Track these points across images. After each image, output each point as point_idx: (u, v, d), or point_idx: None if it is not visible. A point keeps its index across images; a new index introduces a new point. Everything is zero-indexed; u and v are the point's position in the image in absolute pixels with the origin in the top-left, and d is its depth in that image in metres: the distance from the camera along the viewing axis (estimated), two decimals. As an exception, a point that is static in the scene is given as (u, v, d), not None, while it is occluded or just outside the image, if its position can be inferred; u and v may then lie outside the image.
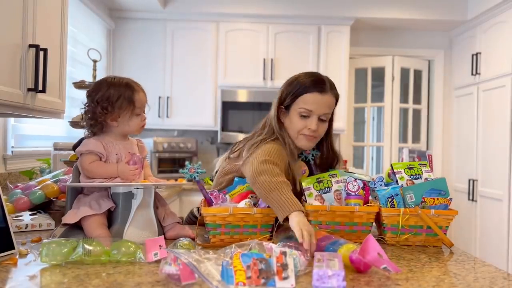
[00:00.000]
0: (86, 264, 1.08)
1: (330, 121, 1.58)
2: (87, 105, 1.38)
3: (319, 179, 1.46)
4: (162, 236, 1.22)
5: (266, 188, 1.28)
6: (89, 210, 1.28)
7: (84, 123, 1.41)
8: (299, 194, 1.45)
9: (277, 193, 1.26)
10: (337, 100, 1.56)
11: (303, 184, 1.46)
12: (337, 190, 1.45)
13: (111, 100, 1.34)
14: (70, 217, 1.29)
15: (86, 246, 1.08)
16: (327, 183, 1.46)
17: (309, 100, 1.48)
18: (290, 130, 1.54)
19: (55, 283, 0.96)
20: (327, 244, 1.18)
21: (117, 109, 1.35)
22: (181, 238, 1.22)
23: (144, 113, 1.44)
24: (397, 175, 1.49)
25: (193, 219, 1.67)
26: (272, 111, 1.57)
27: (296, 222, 1.19)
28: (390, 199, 1.38)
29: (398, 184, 1.46)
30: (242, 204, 1.36)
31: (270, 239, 1.33)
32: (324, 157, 1.63)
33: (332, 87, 1.53)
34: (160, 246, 1.13)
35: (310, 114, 1.49)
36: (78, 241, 1.10)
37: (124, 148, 1.40)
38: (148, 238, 1.20)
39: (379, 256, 1.02)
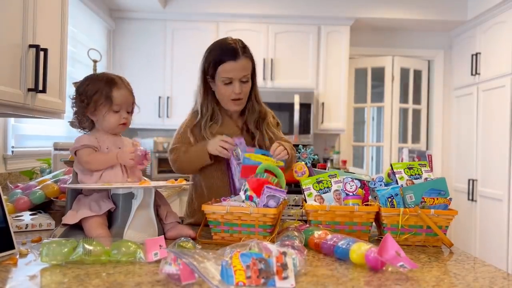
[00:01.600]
0: (86, 264, 1.08)
1: (253, 78, 1.74)
2: (73, 97, 1.42)
3: (319, 180, 1.47)
4: (162, 236, 1.22)
5: (188, 161, 1.66)
6: (88, 211, 1.27)
7: (73, 116, 1.44)
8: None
9: (191, 156, 1.65)
10: (252, 59, 1.72)
11: (303, 184, 1.48)
12: (336, 190, 1.46)
13: (89, 94, 1.37)
14: (70, 218, 1.29)
15: (86, 246, 1.08)
16: (326, 183, 1.47)
17: (227, 69, 1.65)
18: (220, 96, 1.71)
19: (55, 283, 0.96)
20: (336, 244, 1.18)
21: (93, 103, 1.37)
22: (182, 238, 1.22)
23: (129, 112, 1.43)
24: (397, 175, 1.49)
25: None
26: (198, 83, 1.74)
27: (211, 145, 1.59)
28: (389, 199, 1.38)
29: (398, 184, 1.47)
30: (242, 203, 1.37)
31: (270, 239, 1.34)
32: (251, 108, 1.77)
33: (245, 51, 1.69)
34: (160, 246, 1.13)
35: (232, 80, 1.66)
36: (78, 241, 1.10)
37: (114, 143, 1.42)
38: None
39: (396, 254, 1.04)
